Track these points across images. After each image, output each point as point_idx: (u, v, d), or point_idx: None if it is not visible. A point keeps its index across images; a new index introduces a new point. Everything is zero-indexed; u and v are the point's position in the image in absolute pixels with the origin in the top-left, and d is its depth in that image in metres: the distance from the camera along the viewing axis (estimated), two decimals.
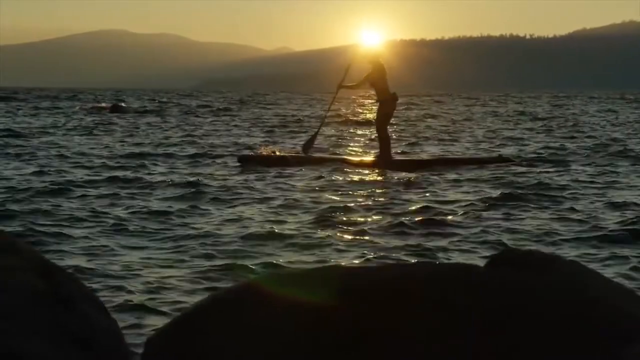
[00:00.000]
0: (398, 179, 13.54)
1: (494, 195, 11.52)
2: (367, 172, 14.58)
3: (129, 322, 5.13)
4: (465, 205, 10.65)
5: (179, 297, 5.94)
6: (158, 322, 5.03)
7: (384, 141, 15.64)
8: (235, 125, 30.71)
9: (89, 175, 13.80)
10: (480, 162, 15.99)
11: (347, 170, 14.59)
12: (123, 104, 47.33)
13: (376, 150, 16.33)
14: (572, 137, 23.98)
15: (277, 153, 16.34)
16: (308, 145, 16.28)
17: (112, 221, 9.09)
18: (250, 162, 15.48)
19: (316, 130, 17.17)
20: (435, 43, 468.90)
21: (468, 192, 12.00)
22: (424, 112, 44.37)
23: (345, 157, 16.91)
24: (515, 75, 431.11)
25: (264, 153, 16.39)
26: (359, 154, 18.54)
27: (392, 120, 17.12)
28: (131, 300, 5.71)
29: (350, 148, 20.44)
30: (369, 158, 16.48)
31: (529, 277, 2.46)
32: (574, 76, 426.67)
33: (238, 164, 15.52)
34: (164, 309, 5.57)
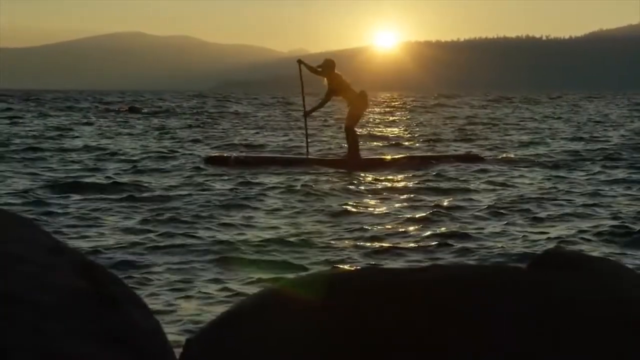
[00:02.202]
0: (375, 178, 13.59)
1: (490, 194, 11.50)
2: (338, 172, 14.57)
3: (168, 323, 5.12)
4: (464, 205, 10.61)
5: (218, 298, 5.94)
6: (198, 322, 5.03)
7: (352, 141, 15.73)
8: (248, 126, 30.79)
9: (111, 177, 13.82)
10: (448, 159, 16.01)
11: (318, 171, 14.58)
12: (139, 106, 47.65)
13: (345, 150, 16.43)
14: (582, 139, 23.85)
15: (244, 154, 16.65)
16: (306, 152, 16.51)
17: (140, 226, 9.09)
18: (217, 164, 15.57)
19: (305, 139, 17.14)
20: (450, 44, 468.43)
21: (452, 191, 11.99)
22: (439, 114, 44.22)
23: (312, 157, 16.94)
24: (531, 76, 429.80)
25: (229, 154, 16.53)
26: (328, 154, 18.52)
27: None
28: (171, 301, 5.71)
29: (320, 149, 20.41)
30: (337, 158, 16.50)
31: (574, 279, 2.42)
32: (590, 77, 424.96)
33: (205, 165, 15.62)
34: (203, 310, 5.56)
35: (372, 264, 7.18)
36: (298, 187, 12.33)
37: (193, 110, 46.49)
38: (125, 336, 1.86)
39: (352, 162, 15.39)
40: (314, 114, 17.63)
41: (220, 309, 4.49)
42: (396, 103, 65.12)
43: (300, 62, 15.86)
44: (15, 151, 18.33)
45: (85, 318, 1.80)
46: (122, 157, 17.49)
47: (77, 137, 23.85)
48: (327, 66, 15.63)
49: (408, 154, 17.63)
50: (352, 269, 4.81)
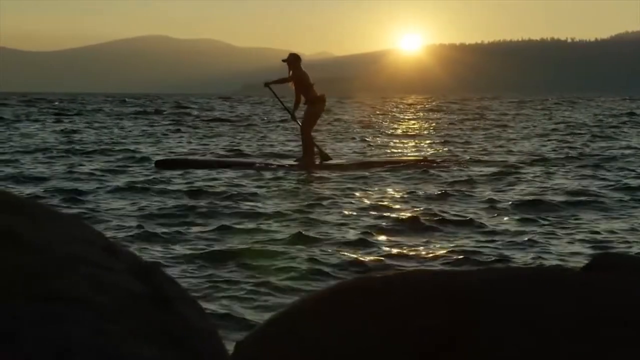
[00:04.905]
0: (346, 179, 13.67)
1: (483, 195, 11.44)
2: (295, 175, 14.63)
3: (220, 325, 5.12)
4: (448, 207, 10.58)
5: (266, 301, 5.92)
6: (246, 326, 5.02)
7: (308, 144, 15.79)
8: (268, 131, 30.93)
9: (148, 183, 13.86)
10: (398, 164, 16.03)
11: (271, 173, 14.65)
12: (162, 109, 48.04)
13: (299, 153, 16.50)
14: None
15: (195, 157, 16.89)
16: (324, 156, 16.49)
17: (191, 232, 9.11)
18: (166, 166, 15.69)
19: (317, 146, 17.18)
20: (475, 47, 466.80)
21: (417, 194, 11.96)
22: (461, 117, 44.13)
23: (263, 160, 16.97)
24: (557, 79, 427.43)
25: (180, 157, 16.65)
26: (279, 156, 18.52)
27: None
28: (223, 303, 5.71)
29: (270, 151, 20.41)
30: (290, 161, 16.53)
31: (632, 281, 2.37)
32: (618, 80, 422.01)
33: (154, 167, 15.82)
34: (253, 313, 5.55)
35: (419, 267, 7.14)
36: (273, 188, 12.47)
37: (214, 113, 46.62)
38: (183, 337, 1.86)
39: (307, 165, 15.53)
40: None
41: (269, 312, 4.47)
42: (424, 105, 64.95)
43: (266, 84, 16.25)
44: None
45: (144, 319, 1.81)
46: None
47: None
48: (292, 61, 15.85)
49: (364, 159, 17.85)
50: (397, 272, 4.80)
